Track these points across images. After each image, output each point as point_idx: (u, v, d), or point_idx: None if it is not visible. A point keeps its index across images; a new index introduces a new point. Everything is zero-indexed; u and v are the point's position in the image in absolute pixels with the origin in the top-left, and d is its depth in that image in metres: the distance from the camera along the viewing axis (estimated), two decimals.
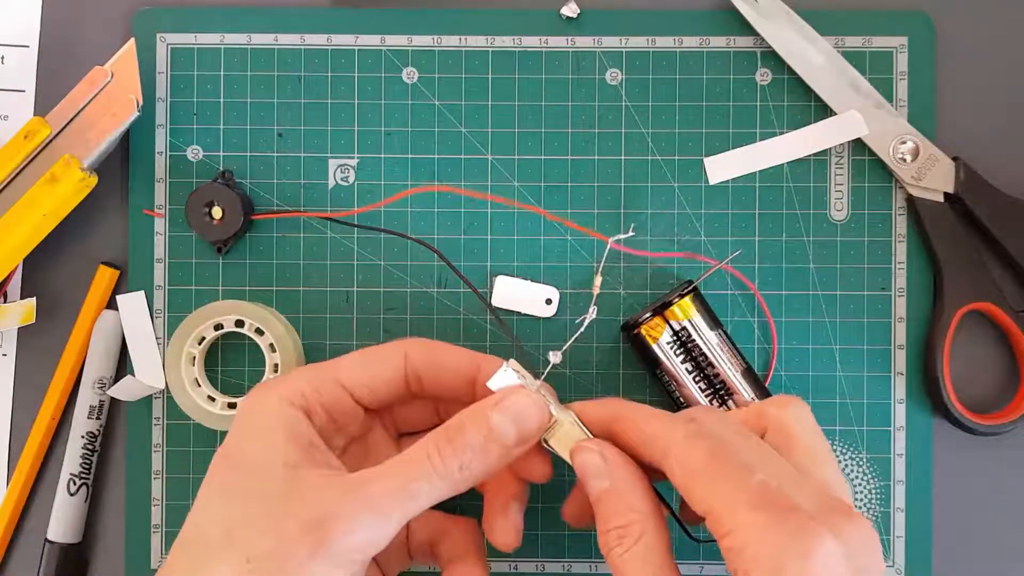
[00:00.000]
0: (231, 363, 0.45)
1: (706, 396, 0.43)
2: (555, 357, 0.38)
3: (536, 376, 0.37)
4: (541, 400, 0.36)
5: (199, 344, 0.43)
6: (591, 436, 0.36)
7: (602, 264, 0.44)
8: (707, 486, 0.32)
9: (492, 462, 0.35)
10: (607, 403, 0.37)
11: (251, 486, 0.34)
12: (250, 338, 0.43)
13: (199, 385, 0.43)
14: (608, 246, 0.43)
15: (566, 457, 0.36)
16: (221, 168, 0.45)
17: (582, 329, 0.40)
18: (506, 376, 0.36)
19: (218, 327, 0.43)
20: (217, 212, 0.43)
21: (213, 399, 0.43)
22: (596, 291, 0.43)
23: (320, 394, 0.37)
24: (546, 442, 0.37)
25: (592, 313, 0.40)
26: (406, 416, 0.41)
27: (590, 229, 0.45)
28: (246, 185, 0.45)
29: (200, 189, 0.43)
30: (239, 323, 0.43)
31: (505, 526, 0.39)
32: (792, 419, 0.35)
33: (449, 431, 0.35)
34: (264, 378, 0.44)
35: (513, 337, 0.41)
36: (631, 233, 0.44)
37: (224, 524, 0.34)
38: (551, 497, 0.45)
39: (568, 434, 0.36)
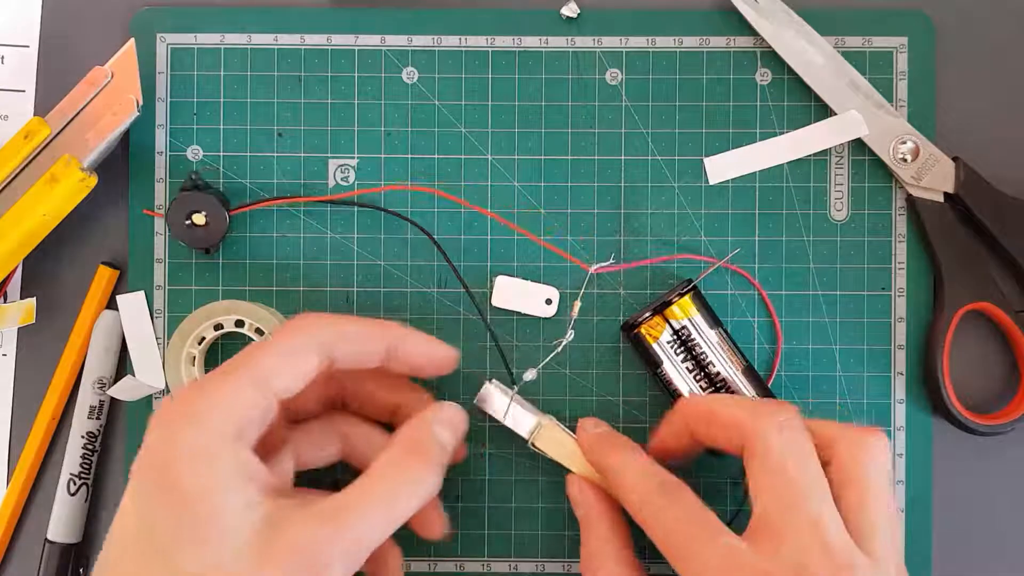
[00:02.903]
0: None
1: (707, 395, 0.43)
2: (531, 374, 0.43)
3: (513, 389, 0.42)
4: (462, 412, 0.40)
5: (199, 344, 0.43)
6: (574, 436, 0.41)
7: (582, 291, 0.44)
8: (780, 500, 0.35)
9: (441, 466, 0.37)
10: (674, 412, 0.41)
11: (217, 535, 0.32)
12: (250, 338, 0.43)
13: None
14: (590, 273, 0.44)
15: (554, 457, 0.41)
16: (198, 168, 0.45)
17: (558, 351, 0.44)
18: (490, 393, 0.42)
19: (218, 327, 0.43)
20: (199, 218, 0.43)
21: None
22: (574, 315, 0.43)
23: (254, 412, 0.35)
24: (533, 445, 0.42)
25: (569, 336, 0.43)
26: (308, 396, 0.40)
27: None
28: (245, 185, 0.45)
29: (178, 200, 0.43)
30: (239, 323, 0.43)
31: (436, 519, 0.41)
32: (861, 464, 0.36)
33: (427, 454, 0.37)
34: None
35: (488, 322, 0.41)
36: (611, 261, 0.44)
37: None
38: (551, 497, 0.45)
39: (552, 436, 0.41)
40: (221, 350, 0.45)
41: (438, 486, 0.37)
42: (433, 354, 0.39)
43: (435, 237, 0.45)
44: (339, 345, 0.37)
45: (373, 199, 0.45)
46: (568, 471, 0.42)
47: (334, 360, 0.37)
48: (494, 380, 0.42)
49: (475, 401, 0.42)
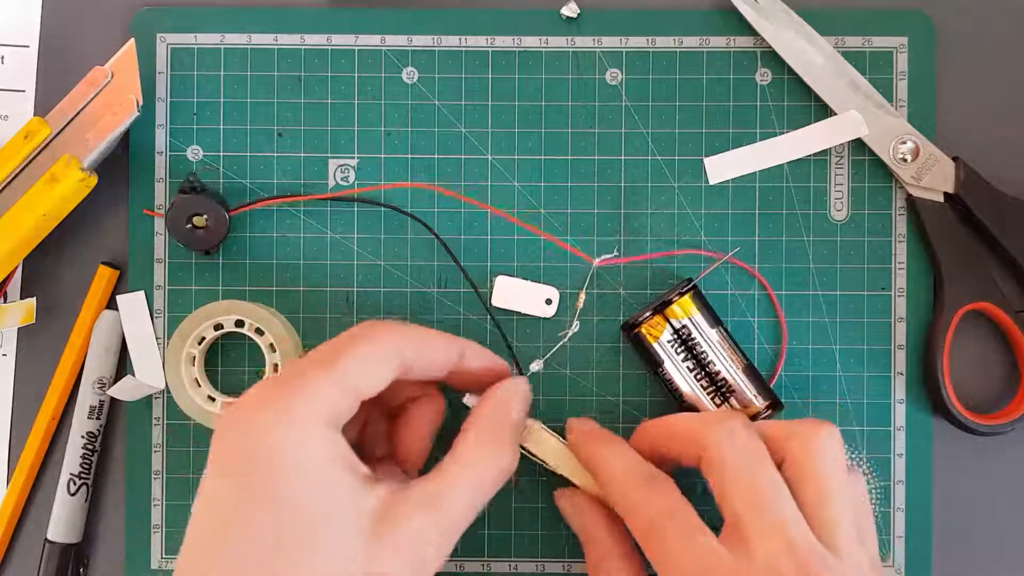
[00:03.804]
0: (231, 363, 0.45)
1: (708, 394, 0.43)
2: (536, 365, 0.43)
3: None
4: (528, 385, 0.40)
5: (199, 344, 0.43)
6: (563, 440, 0.41)
7: (586, 283, 0.44)
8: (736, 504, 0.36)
9: (514, 451, 0.38)
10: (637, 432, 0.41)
11: (328, 541, 0.31)
12: (250, 338, 0.43)
13: (199, 385, 0.43)
14: (594, 266, 0.44)
15: (544, 457, 0.41)
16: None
17: (564, 341, 0.44)
18: (473, 401, 0.40)
19: (218, 327, 0.43)
20: (200, 221, 0.43)
21: (213, 399, 0.43)
22: (579, 306, 0.44)
23: (342, 406, 0.34)
24: (523, 448, 0.41)
25: (575, 327, 0.44)
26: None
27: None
28: (245, 185, 0.45)
29: (177, 204, 0.43)
30: (239, 323, 0.43)
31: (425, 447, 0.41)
32: (813, 459, 0.36)
33: (506, 434, 0.38)
34: (264, 377, 0.43)
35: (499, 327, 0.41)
36: (615, 253, 0.44)
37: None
38: (551, 497, 0.45)
39: (541, 438, 0.41)
40: (221, 350, 0.45)
41: (516, 462, 0.37)
42: (494, 366, 0.40)
43: (437, 236, 0.44)
44: (416, 356, 0.37)
45: (374, 195, 0.45)
46: (556, 487, 0.42)
47: (409, 369, 0.37)
48: (469, 394, 0.41)
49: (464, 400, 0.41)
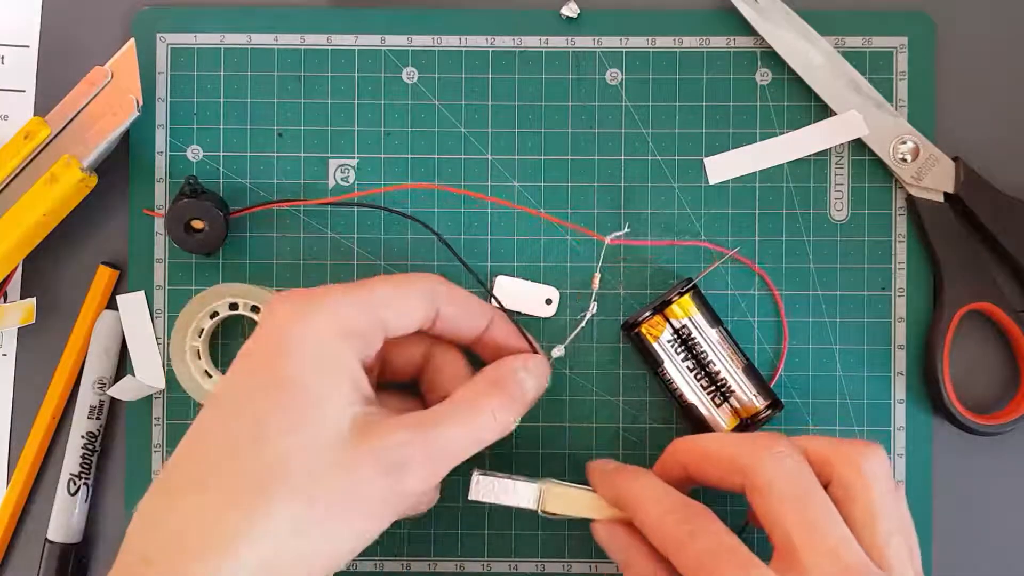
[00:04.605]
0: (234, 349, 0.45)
1: (708, 394, 0.43)
2: (558, 351, 0.43)
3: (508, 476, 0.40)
4: (547, 366, 0.40)
5: (199, 336, 0.43)
6: (584, 488, 0.40)
7: (600, 262, 0.44)
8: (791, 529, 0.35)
9: (519, 412, 0.38)
10: (666, 454, 0.40)
11: (314, 420, 0.33)
12: (250, 319, 0.44)
13: (210, 376, 0.44)
14: (606, 244, 0.44)
15: (569, 513, 0.40)
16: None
17: (583, 324, 0.43)
18: (481, 486, 0.40)
19: (214, 315, 0.43)
20: (199, 224, 0.43)
21: None
22: (595, 287, 0.44)
23: (359, 323, 0.36)
24: (543, 511, 0.40)
25: (593, 309, 0.43)
26: (396, 353, 0.40)
27: (589, 229, 0.45)
28: (246, 185, 0.45)
29: (174, 209, 0.43)
30: (233, 306, 0.43)
31: None
32: (861, 481, 0.36)
33: (508, 390, 0.38)
34: None
35: (522, 329, 0.41)
36: (626, 230, 0.44)
37: (278, 454, 0.33)
38: None
39: (560, 494, 0.40)
40: (222, 336, 0.45)
41: (512, 425, 0.38)
42: (519, 343, 0.41)
43: (438, 235, 0.44)
44: (448, 304, 0.38)
45: (374, 199, 0.45)
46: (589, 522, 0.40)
47: (439, 317, 0.38)
48: (475, 469, 0.40)
49: (469, 497, 0.40)
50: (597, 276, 0.44)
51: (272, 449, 0.33)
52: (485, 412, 0.37)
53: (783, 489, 0.35)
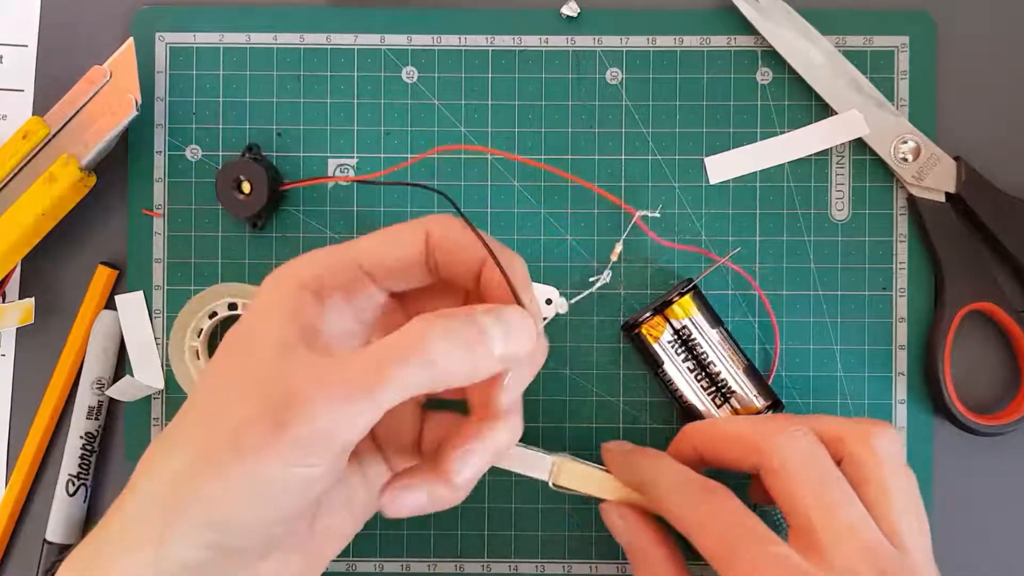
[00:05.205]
0: None
1: (708, 395, 0.42)
2: (563, 307, 0.44)
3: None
4: (534, 325, 0.34)
5: (198, 337, 0.43)
6: (598, 467, 0.41)
7: (625, 235, 0.44)
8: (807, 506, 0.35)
9: (475, 365, 0.32)
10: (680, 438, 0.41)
11: (241, 365, 0.33)
12: None
13: None
14: (635, 218, 0.44)
15: (581, 490, 0.41)
16: (248, 142, 0.44)
17: (593, 289, 0.44)
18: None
19: (213, 315, 0.43)
20: (246, 187, 0.43)
21: None
22: (614, 257, 0.44)
23: (335, 276, 0.34)
24: (555, 484, 0.41)
25: (606, 276, 0.44)
26: (433, 306, 0.37)
27: (616, 197, 0.45)
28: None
29: (227, 166, 0.43)
30: (232, 306, 0.43)
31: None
32: (874, 459, 0.36)
33: (441, 320, 0.32)
34: None
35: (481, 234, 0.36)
36: (660, 208, 0.44)
37: (205, 403, 0.33)
38: (551, 498, 0.44)
39: (574, 469, 0.41)
40: (221, 336, 0.45)
41: (463, 379, 0.32)
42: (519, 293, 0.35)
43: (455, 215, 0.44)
44: (444, 233, 0.35)
45: (421, 170, 0.45)
46: (599, 501, 0.41)
47: (434, 250, 0.35)
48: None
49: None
50: (618, 246, 0.44)
51: (204, 400, 0.33)
52: (402, 344, 0.31)
53: (799, 469, 0.36)
